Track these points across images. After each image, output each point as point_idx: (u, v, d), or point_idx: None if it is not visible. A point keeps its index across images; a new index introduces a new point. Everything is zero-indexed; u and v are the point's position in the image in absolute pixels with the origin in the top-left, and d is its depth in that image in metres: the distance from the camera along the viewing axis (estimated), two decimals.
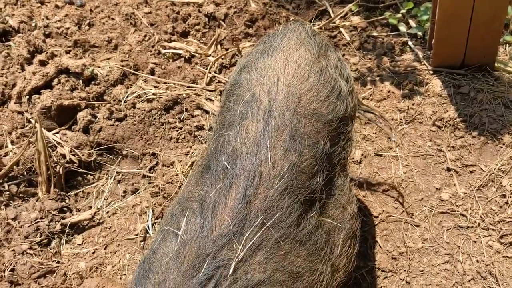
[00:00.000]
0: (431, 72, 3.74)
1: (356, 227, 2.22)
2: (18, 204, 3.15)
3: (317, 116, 2.02)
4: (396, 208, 3.08)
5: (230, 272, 1.72)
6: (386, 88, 3.69)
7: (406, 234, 2.96)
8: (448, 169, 3.20)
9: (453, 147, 3.29)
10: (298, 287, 1.86)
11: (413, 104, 3.55)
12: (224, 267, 1.72)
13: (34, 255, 2.93)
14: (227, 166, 1.89)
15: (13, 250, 2.93)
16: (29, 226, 3.02)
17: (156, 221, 3.05)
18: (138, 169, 3.34)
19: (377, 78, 3.78)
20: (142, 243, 3.01)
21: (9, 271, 2.86)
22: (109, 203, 3.22)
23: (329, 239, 2.02)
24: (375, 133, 3.42)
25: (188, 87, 3.69)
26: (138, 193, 3.24)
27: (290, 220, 1.85)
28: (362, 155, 3.31)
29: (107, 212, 3.18)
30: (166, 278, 1.74)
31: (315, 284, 1.92)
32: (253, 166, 1.85)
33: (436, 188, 3.13)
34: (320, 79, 2.09)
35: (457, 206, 3.04)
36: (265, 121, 1.94)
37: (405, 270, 2.85)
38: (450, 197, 3.08)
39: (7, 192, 3.15)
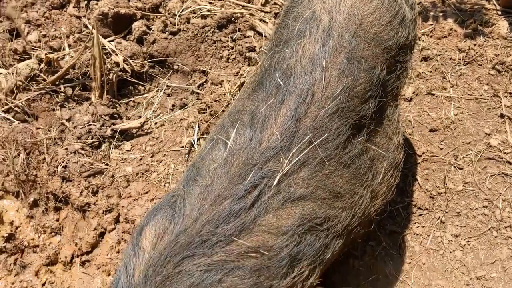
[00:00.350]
0: (499, 12, 3.53)
1: (399, 158, 2.22)
2: (72, 106, 3.29)
3: (377, 41, 1.97)
4: (441, 149, 3.04)
5: (275, 183, 1.78)
6: (448, 25, 3.52)
7: (447, 176, 2.94)
8: (502, 115, 3.10)
9: (510, 93, 3.16)
10: (338, 207, 1.91)
11: (474, 45, 3.39)
12: (269, 178, 1.78)
13: (85, 155, 3.09)
14: (280, 82, 1.90)
15: (66, 149, 3.10)
16: (81, 128, 3.16)
17: (201, 136, 3.14)
18: (187, 84, 3.39)
19: (440, 14, 3.60)
20: (187, 155, 3.12)
21: (62, 167, 3.05)
22: (158, 115, 3.32)
23: (372, 166, 2.04)
24: (430, 72, 3.31)
25: (243, 6, 3.62)
26: (186, 108, 3.31)
27: (337, 142, 1.87)
28: (413, 92, 3.23)
29: (155, 123, 3.28)
30: (213, 182, 1.82)
31: (354, 207, 1.97)
32: (307, 85, 1.85)
33: (486, 133, 3.05)
34: (384, 2, 2.01)
35: (504, 153, 2.97)
36: (323, 40, 1.91)
37: (441, 210, 2.87)
38: (499, 144, 3.00)
39: (63, 94, 3.28)
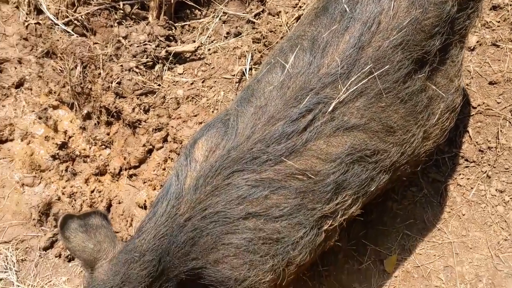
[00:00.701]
0: None
1: (457, 102, 2.16)
2: (129, 24, 3.33)
3: None
4: (499, 103, 2.93)
5: (329, 110, 1.78)
6: None
7: (501, 131, 2.85)
8: None
9: None
10: (389, 141, 1.91)
11: None
12: (324, 104, 1.79)
13: (139, 74, 3.16)
14: (347, 9, 1.85)
15: (121, 65, 3.17)
16: (137, 46, 3.21)
17: (254, 66, 3.13)
18: (244, 13, 3.35)
19: None
20: (237, 84, 3.13)
21: (116, 83, 3.13)
22: (212, 41, 3.32)
23: (429, 105, 2.00)
24: (499, 22, 3.14)
25: None
26: (240, 36, 3.29)
27: (398, 76, 1.83)
28: (477, 42, 3.09)
29: (209, 49, 3.29)
30: (268, 104, 1.84)
31: (405, 144, 1.96)
32: (373, 13, 1.80)
33: None
34: None
35: None
36: None
37: (489, 165, 2.81)
38: None
39: (121, 11, 3.32)
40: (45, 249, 2.87)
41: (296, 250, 1.88)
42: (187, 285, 1.95)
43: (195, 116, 3.03)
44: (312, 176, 1.81)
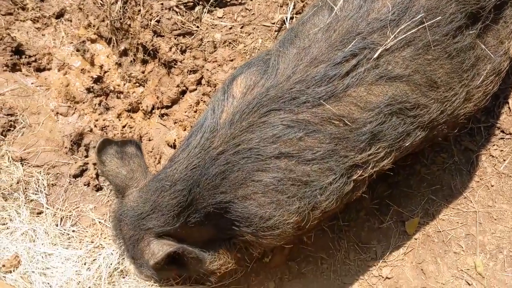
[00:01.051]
0: None
1: (504, 66, 2.10)
2: None
3: None
4: None
5: (375, 56, 1.75)
6: None
7: None
8: None
9: None
10: (430, 96, 1.87)
11: None
12: (370, 50, 1.75)
13: (178, 14, 3.13)
14: None
15: (162, 4, 3.15)
16: None
17: (295, 15, 3.08)
18: None
19: None
20: (276, 33, 3.09)
21: (155, 21, 3.12)
22: None
23: (476, 65, 1.95)
24: None
25: None
26: None
27: (449, 28, 1.78)
28: None
29: None
30: (311, 46, 1.82)
31: (446, 102, 1.92)
32: None
33: None
34: None
35: None
36: None
37: None
38: None
39: None
40: (75, 176, 2.96)
41: (324, 195, 1.89)
42: (213, 218, 1.99)
43: (231, 61, 3.02)
44: (349, 123, 1.80)
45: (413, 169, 2.78)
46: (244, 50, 3.07)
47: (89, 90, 3.19)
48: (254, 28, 3.13)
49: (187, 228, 2.01)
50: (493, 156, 2.76)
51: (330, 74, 1.76)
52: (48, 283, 2.62)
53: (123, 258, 2.35)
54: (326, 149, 1.82)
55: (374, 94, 1.80)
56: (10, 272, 2.63)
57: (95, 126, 3.11)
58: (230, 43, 3.10)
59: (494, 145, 2.78)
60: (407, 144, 1.95)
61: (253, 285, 2.70)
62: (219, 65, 3.02)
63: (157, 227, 1.97)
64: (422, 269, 2.61)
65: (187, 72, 3.07)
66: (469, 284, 2.55)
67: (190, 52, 3.10)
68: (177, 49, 3.08)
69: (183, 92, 3.10)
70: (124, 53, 3.24)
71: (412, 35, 1.76)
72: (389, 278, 2.63)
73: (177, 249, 1.87)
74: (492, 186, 2.71)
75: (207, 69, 3.03)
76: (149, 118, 3.13)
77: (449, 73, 1.87)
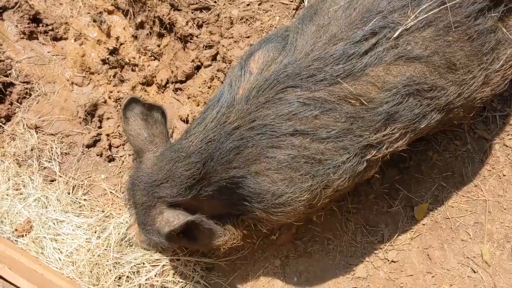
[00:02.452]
0: None
1: None
2: None
3: None
4: None
5: (395, 36, 1.73)
6: None
7: None
8: None
9: None
10: (448, 79, 1.85)
11: None
12: (390, 29, 1.73)
13: None
14: None
15: None
16: None
17: None
18: None
19: None
20: (294, 11, 3.06)
21: None
22: None
23: (496, 49, 1.92)
24: None
25: None
26: None
27: (471, 10, 1.75)
28: None
29: None
30: (331, 23, 1.80)
31: (464, 85, 1.90)
32: None
33: None
34: None
35: None
36: None
37: None
38: None
39: None
40: (88, 146, 2.99)
41: (337, 174, 1.89)
42: (225, 193, 2.01)
43: (248, 37, 3.00)
44: (365, 103, 1.79)
45: (425, 155, 2.77)
46: (261, 27, 3.05)
47: (104, 61, 3.20)
48: (272, 5, 3.10)
49: (199, 200, 2.03)
50: (506, 146, 2.73)
51: (349, 52, 1.75)
52: (59, 249, 2.67)
53: (130, 226, 2.38)
54: (341, 128, 1.82)
55: (392, 74, 1.78)
56: (22, 236, 2.69)
57: (109, 97, 3.13)
58: (247, 19, 3.08)
59: (508, 135, 2.75)
60: (422, 126, 1.93)
61: (259, 261, 2.73)
62: (235, 42, 3.01)
63: (169, 197, 1.99)
64: (428, 255, 2.62)
65: (203, 47, 3.06)
66: (474, 272, 2.56)
67: (207, 27, 3.09)
68: (194, 23, 3.07)
69: (197, 67, 3.09)
70: (141, 25, 3.23)
71: (433, 16, 1.73)
72: (394, 262, 2.64)
73: (195, 219, 1.89)
74: (504, 175, 2.69)
75: (223, 45, 3.02)
76: (163, 92, 3.14)
77: (468, 56, 1.84)
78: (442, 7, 1.72)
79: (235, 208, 2.11)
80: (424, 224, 2.69)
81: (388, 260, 2.65)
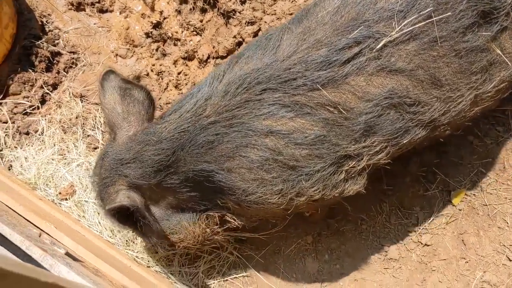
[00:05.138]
0: None
1: None
2: None
3: None
4: None
5: (378, 47, 1.71)
6: None
7: None
8: None
9: None
10: (433, 94, 1.80)
11: None
12: (374, 40, 1.71)
13: None
14: None
15: None
16: None
17: None
18: None
19: None
20: None
21: None
22: None
23: (488, 70, 1.85)
24: None
25: None
26: None
27: (458, 25, 1.71)
28: None
29: None
30: (317, 27, 1.79)
31: (450, 103, 1.84)
32: None
33: None
34: None
35: None
36: None
37: None
38: None
39: None
40: None
41: (309, 182, 1.86)
42: (192, 184, 1.99)
43: (290, 14, 3.00)
44: (343, 111, 1.76)
45: (465, 139, 2.73)
46: (305, 4, 3.04)
47: (148, 35, 3.26)
48: None
49: (163, 188, 2.02)
50: None
51: (331, 59, 1.73)
52: (98, 213, 2.78)
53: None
54: (317, 134, 1.79)
55: (373, 85, 1.76)
56: (66, 199, 2.81)
57: (151, 70, 3.20)
58: None
59: None
60: (405, 141, 1.89)
61: (291, 237, 2.77)
62: (278, 18, 3.01)
63: (132, 177, 1.98)
64: (463, 240, 2.60)
65: (245, 23, 3.08)
66: (510, 260, 2.53)
67: (250, 3, 3.10)
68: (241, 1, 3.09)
69: (239, 44, 3.12)
70: (184, 0, 3.27)
71: (419, 29, 1.70)
72: (428, 245, 2.63)
73: (130, 205, 1.87)
74: None
75: (265, 22, 3.03)
76: (203, 67, 3.18)
77: (455, 73, 1.79)
78: (428, 21, 1.69)
79: (201, 203, 2.08)
80: (460, 210, 2.66)
81: (422, 243, 2.64)
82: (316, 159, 1.83)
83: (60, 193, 2.82)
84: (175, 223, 2.14)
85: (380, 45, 1.71)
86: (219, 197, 2.03)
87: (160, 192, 2.06)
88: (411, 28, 1.70)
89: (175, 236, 2.17)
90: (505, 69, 1.90)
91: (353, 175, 1.94)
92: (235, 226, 2.20)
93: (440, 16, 1.71)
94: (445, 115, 1.88)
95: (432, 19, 1.71)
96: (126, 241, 2.71)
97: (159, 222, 2.10)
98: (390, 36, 1.71)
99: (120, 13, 3.35)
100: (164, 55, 3.26)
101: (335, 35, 1.76)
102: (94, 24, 3.31)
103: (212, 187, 1.96)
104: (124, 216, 1.93)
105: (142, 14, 3.33)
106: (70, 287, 0.93)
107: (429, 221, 2.66)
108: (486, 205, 2.64)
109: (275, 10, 3.03)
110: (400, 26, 1.70)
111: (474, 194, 2.66)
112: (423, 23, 1.71)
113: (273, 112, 1.78)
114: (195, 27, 3.23)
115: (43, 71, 3.15)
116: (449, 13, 1.71)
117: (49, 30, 3.24)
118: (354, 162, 1.88)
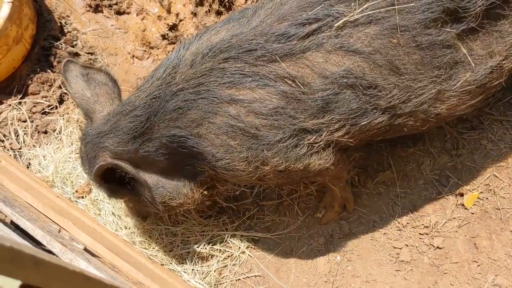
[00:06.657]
0: None
1: (493, 84, 1.99)
2: None
3: None
4: None
5: (337, 25, 1.74)
6: None
7: None
8: None
9: None
10: (391, 81, 1.83)
11: None
12: (334, 19, 1.75)
13: None
14: None
15: None
16: None
17: None
18: None
19: None
20: None
21: None
22: None
23: (453, 68, 1.87)
24: None
25: None
26: None
27: (421, 17, 1.73)
28: None
29: None
30: (285, 3, 1.84)
31: (410, 92, 1.87)
32: None
33: None
34: None
35: None
36: None
37: None
38: None
39: None
40: None
41: (271, 151, 1.93)
42: (169, 151, 2.07)
43: None
44: (300, 85, 1.81)
45: (479, 143, 2.73)
46: None
47: (164, 36, 3.31)
48: None
49: (145, 158, 2.10)
50: None
51: (290, 32, 1.77)
52: (112, 213, 2.83)
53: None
54: (275, 105, 1.84)
55: (330, 62, 1.79)
56: (82, 197, 2.87)
57: None
58: None
59: None
60: (363, 123, 1.92)
61: (303, 238, 2.80)
62: None
63: (112, 147, 2.07)
64: (475, 243, 2.61)
65: None
66: None
67: None
68: (253, 1, 3.12)
69: None
70: (200, 3, 3.32)
71: (381, 15, 1.72)
72: (440, 248, 2.64)
73: (108, 164, 1.97)
74: None
75: None
76: None
77: (416, 64, 1.81)
78: (390, 8, 1.71)
79: (187, 169, 2.16)
80: (473, 213, 2.66)
81: (434, 246, 2.65)
82: (275, 130, 1.89)
83: (76, 191, 2.87)
84: (171, 190, 2.22)
85: (338, 23, 1.76)
86: (195, 163, 2.11)
87: (146, 162, 2.14)
88: (371, 12, 1.74)
89: (174, 202, 2.26)
90: (470, 71, 1.91)
91: (316, 150, 1.99)
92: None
93: (403, 6, 1.74)
94: (406, 104, 1.90)
95: (394, 7, 1.74)
96: (141, 241, 2.76)
97: (154, 190, 2.18)
98: (349, 17, 1.75)
99: (137, 15, 3.41)
100: None
101: (298, 11, 1.81)
102: (112, 25, 3.37)
103: (187, 152, 2.04)
104: (115, 182, 2.06)
105: (158, 16, 3.39)
106: (93, 277, 0.97)
107: (442, 224, 2.67)
108: (499, 209, 2.64)
109: None
110: (361, 9, 1.74)
111: (487, 198, 2.66)
112: (384, 8, 1.74)
113: (235, 81, 1.85)
114: None
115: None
116: (412, 4, 1.74)
117: (68, 31, 3.31)
118: (314, 137, 1.94)
